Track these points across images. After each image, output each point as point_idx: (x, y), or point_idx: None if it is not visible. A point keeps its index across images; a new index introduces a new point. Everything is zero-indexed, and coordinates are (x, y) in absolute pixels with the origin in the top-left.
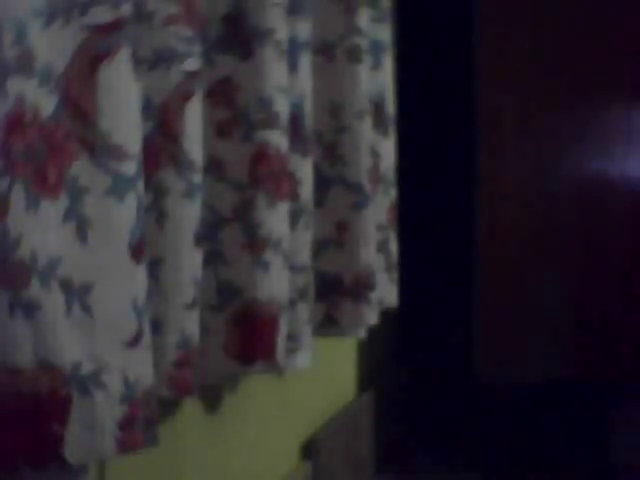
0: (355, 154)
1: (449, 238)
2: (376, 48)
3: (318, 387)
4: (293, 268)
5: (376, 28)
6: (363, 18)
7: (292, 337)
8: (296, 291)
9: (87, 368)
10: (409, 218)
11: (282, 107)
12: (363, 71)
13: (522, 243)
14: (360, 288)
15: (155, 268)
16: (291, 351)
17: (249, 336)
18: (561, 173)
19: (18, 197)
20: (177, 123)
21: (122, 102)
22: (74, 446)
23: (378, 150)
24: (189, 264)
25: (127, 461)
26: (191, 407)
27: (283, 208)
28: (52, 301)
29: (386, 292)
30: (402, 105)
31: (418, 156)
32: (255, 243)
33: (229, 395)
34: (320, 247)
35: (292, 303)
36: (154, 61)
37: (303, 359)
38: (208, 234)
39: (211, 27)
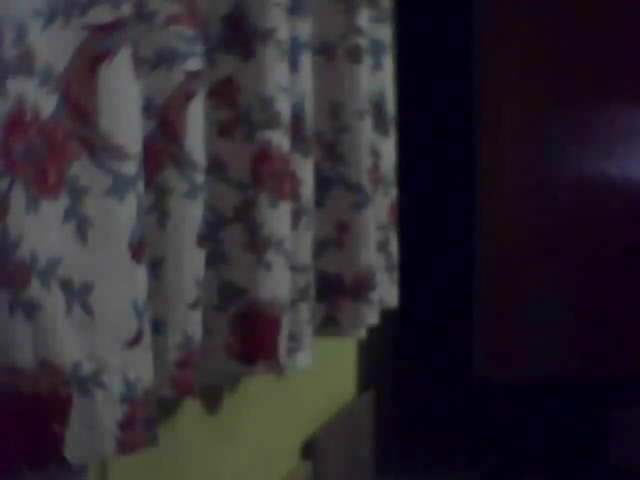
0: (355, 154)
1: (449, 237)
2: (376, 48)
3: (318, 387)
4: (294, 268)
5: (376, 28)
6: (363, 18)
7: (293, 337)
8: (297, 291)
9: (87, 368)
10: (409, 218)
11: (283, 107)
12: (363, 71)
13: (522, 243)
14: (360, 288)
15: (157, 268)
16: (291, 351)
17: (251, 336)
18: (561, 173)
19: (18, 197)
20: (179, 123)
21: (122, 102)
22: (74, 446)
23: (378, 150)
24: (191, 264)
25: (127, 461)
26: (191, 407)
27: (285, 208)
28: (52, 301)
29: (386, 292)
30: (402, 105)
31: (418, 156)
32: (257, 243)
33: (229, 395)
34: (320, 247)
35: (293, 303)
36: (156, 61)
37: (303, 359)
38: (210, 234)
39: (212, 27)
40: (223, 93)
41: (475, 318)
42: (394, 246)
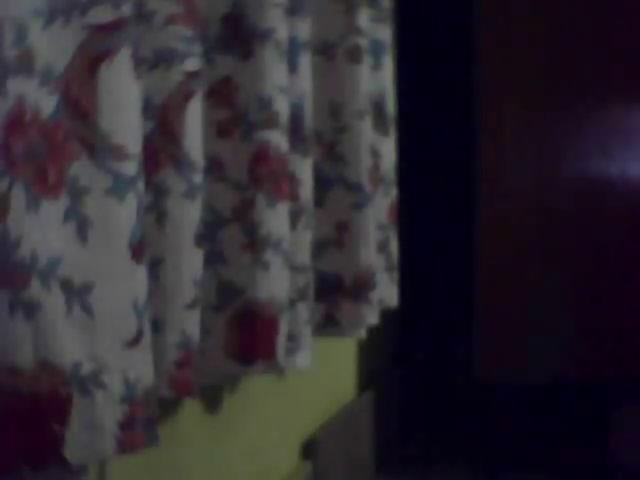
0: (355, 154)
1: (449, 238)
2: (376, 48)
3: (318, 387)
4: (293, 268)
5: (376, 28)
6: (363, 18)
7: (292, 337)
8: (296, 291)
9: (87, 368)
10: (409, 218)
11: (282, 107)
12: (363, 71)
13: (522, 243)
14: (360, 288)
15: (155, 268)
16: (291, 351)
17: (249, 336)
18: (561, 173)
19: (18, 197)
20: (177, 123)
21: (122, 102)
22: (74, 446)
23: (378, 150)
24: (189, 264)
25: (127, 461)
26: (191, 407)
27: (283, 208)
28: (52, 301)
29: (386, 292)
30: (402, 105)
31: (418, 156)
32: (255, 243)
33: (229, 395)
34: (320, 247)
35: (292, 303)
36: (154, 61)
37: (303, 359)
38: (208, 234)
39: (211, 27)
40: (222, 93)
41: (475, 318)
42: (394, 246)
